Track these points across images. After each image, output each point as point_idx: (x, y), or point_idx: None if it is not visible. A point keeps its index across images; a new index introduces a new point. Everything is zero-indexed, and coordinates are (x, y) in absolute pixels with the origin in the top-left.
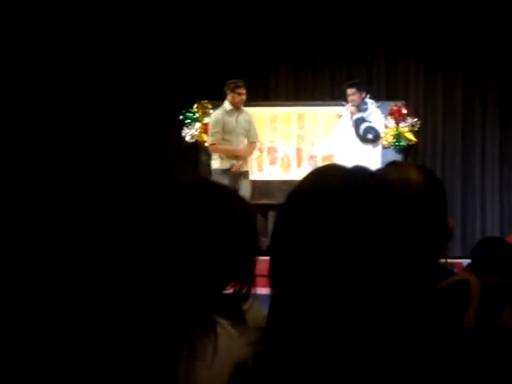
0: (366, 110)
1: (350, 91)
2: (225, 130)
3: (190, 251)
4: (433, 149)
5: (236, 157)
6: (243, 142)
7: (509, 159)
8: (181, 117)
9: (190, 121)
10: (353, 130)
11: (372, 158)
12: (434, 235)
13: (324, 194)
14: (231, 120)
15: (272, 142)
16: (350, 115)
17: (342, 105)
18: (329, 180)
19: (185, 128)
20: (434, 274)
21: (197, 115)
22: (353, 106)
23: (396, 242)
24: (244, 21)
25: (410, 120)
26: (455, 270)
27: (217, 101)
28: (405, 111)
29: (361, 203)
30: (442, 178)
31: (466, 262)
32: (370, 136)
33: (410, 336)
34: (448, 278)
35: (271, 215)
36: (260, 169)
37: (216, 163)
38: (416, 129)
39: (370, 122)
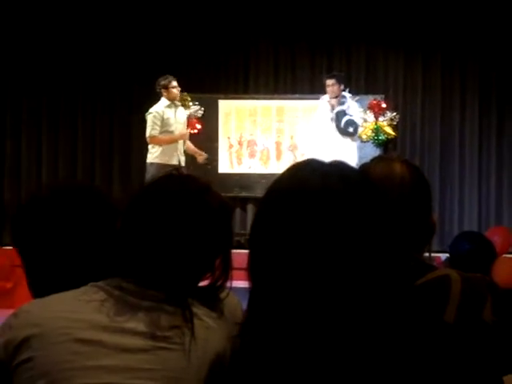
0: (344, 102)
1: (329, 82)
2: (165, 124)
3: (167, 242)
4: (412, 143)
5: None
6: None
7: (487, 154)
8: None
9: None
10: (332, 123)
11: (350, 152)
12: (418, 230)
13: (302, 190)
14: (171, 114)
15: (251, 135)
16: (329, 107)
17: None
18: (307, 175)
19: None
20: (416, 269)
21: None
22: (332, 97)
23: (379, 237)
24: (223, 14)
25: (389, 114)
26: (434, 264)
27: (196, 94)
28: (384, 105)
29: (339, 198)
30: None
31: (444, 256)
32: (350, 129)
33: (390, 330)
34: (429, 274)
35: (250, 208)
36: (239, 162)
37: (152, 157)
38: (395, 123)
39: (350, 115)
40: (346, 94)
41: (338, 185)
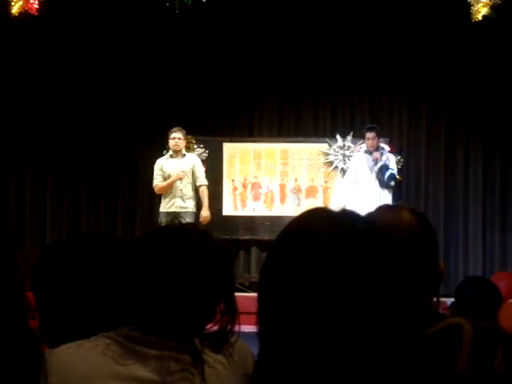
0: (382, 154)
1: (369, 135)
2: (165, 175)
3: (169, 290)
4: (416, 186)
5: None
6: (179, 185)
7: (491, 201)
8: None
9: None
10: (371, 174)
11: (386, 201)
12: (427, 277)
13: (313, 236)
14: (170, 165)
15: (256, 177)
16: (369, 157)
17: (326, 141)
18: (319, 222)
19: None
20: (426, 317)
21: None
22: (373, 150)
23: (389, 285)
24: (229, 60)
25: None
26: (441, 310)
27: (201, 136)
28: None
29: (348, 247)
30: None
31: (449, 300)
32: (392, 183)
33: (402, 380)
34: (439, 322)
35: (254, 251)
36: (243, 204)
37: (161, 207)
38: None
39: (392, 169)
40: (384, 145)
41: (349, 233)
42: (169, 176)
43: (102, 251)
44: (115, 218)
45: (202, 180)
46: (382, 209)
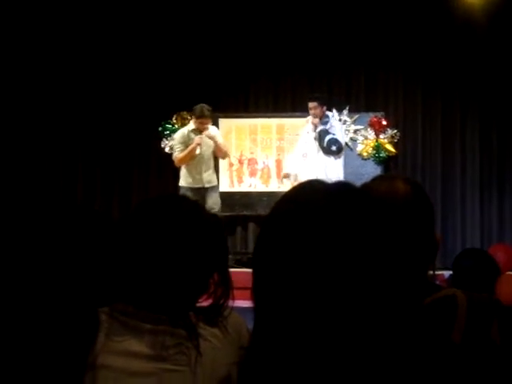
0: (327, 122)
1: (311, 105)
2: (189, 145)
3: (162, 261)
4: (413, 160)
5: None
6: (206, 160)
7: (489, 172)
8: (160, 128)
9: (169, 132)
10: (315, 143)
11: (335, 170)
12: (422, 248)
13: (305, 209)
14: (195, 137)
15: (252, 153)
16: (312, 127)
17: None
18: (311, 194)
19: (164, 139)
20: (422, 288)
21: (176, 126)
22: (315, 118)
23: (385, 256)
24: (224, 33)
25: (389, 131)
26: (437, 282)
27: None
28: (384, 122)
29: (343, 218)
30: None
31: (447, 273)
32: (333, 148)
33: (398, 351)
34: (435, 293)
35: (251, 227)
36: (240, 180)
37: (182, 180)
38: (396, 140)
39: (333, 134)
40: (329, 113)
41: (342, 203)
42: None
43: (90, 226)
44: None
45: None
46: (377, 179)
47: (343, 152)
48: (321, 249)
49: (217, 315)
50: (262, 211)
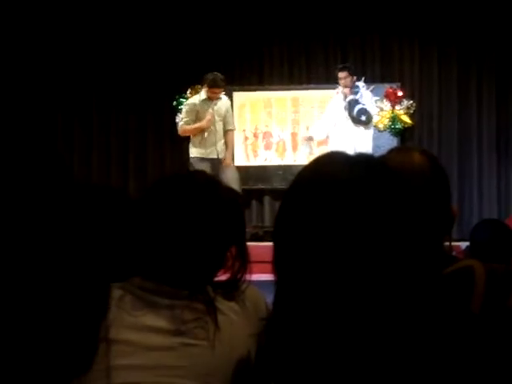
0: (357, 92)
1: (341, 74)
2: (198, 118)
3: (179, 236)
4: (429, 131)
5: (212, 144)
6: (219, 130)
7: (506, 141)
8: (174, 102)
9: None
10: (345, 112)
11: (364, 140)
12: (438, 220)
13: (328, 180)
14: (206, 108)
15: (267, 126)
16: (342, 97)
17: (337, 87)
18: (332, 167)
19: (178, 113)
20: (439, 259)
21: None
22: (345, 87)
23: (406, 227)
24: (237, 5)
25: (405, 102)
26: (454, 253)
27: None
28: (400, 93)
29: (366, 188)
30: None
31: (463, 244)
32: (363, 118)
33: (417, 322)
34: (452, 264)
35: (267, 200)
36: (255, 154)
37: (193, 151)
38: (412, 111)
39: (363, 104)
40: (360, 83)
41: (364, 175)
42: (201, 119)
43: (108, 203)
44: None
45: (232, 125)
46: (393, 151)
47: (372, 123)
48: (342, 220)
49: (234, 289)
50: (278, 185)
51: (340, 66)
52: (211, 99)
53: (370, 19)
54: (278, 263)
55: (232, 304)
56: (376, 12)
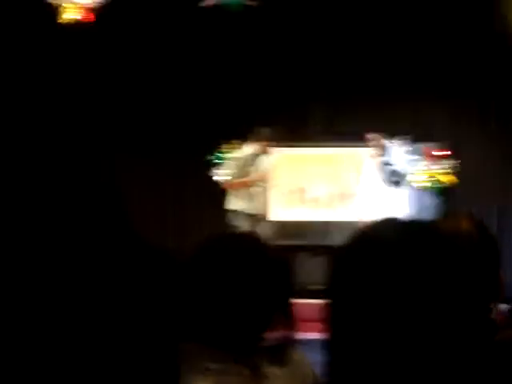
0: (387, 153)
1: (371, 136)
2: (242, 174)
3: (228, 300)
4: (469, 191)
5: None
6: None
7: None
8: (210, 157)
9: (219, 161)
10: (377, 173)
11: (398, 200)
12: (488, 286)
13: (381, 246)
14: (251, 163)
15: (303, 182)
16: (373, 159)
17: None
18: (387, 232)
19: (214, 168)
20: (488, 327)
21: (226, 155)
22: (375, 149)
23: (453, 295)
24: (280, 60)
25: (445, 161)
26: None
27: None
28: (439, 153)
29: (417, 256)
30: None
31: (504, 306)
32: (394, 179)
33: None
34: (503, 331)
35: (301, 256)
36: (291, 209)
37: (233, 204)
38: (451, 171)
39: (394, 165)
40: (391, 144)
41: (417, 241)
42: (245, 174)
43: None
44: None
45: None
46: (441, 218)
47: (406, 182)
48: (396, 285)
49: (281, 354)
50: (312, 241)
51: (369, 128)
52: (259, 154)
53: (405, 77)
54: (332, 322)
55: (278, 370)
56: (409, 73)
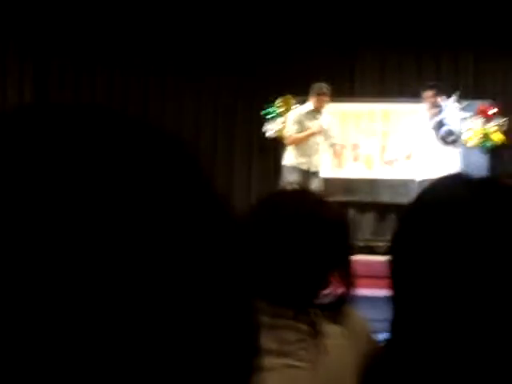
0: (441, 112)
1: (426, 94)
2: (302, 131)
3: (288, 256)
4: None
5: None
6: (317, 143)
7: None
8: (263, 111)
9: (272, 116)
10: (432, 132)
11: (452, 160)
12: None
13: (450, 203)
14: (309, 121)
15: (355, 138)
16: (428, 117)
17: None
18: (456, 189)
19: (266, 123)
20: None
21: (279, 110)
22: (432, 108)
23: None
24: (329, 16)
25: (497, 119)
26: None
27: (300, 96)
28: (493, 110)
29: (488, 212)
30: None
31: None
32: (450, 139)
33: None
34: None
35: (352, 213)
36: (343, 166)
37: (288, 159)
38: (504, 128)
39: (449, 124)
40: (446, 102)
41: (488, 200)
42: (307, 129)
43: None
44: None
45: (333, 140)
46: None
47: (460, 141)
48: (465, 243)
49: (338, 312)
50: (364, 198)
51: (428, 84)
52: (318, 109)
53: (464, 33)
54: (397, 279)
55: (336, 327)
56: (470, 26)
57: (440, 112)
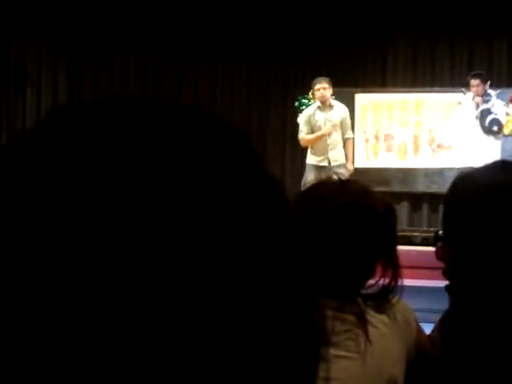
0: (489, 100)
1: (473, 82)
2: (314, 129)
3: (333, 247)
4: None
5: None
6: (332, 138)
7: None
8: (296, 103)
9: (305, 107)
10: (476, 121)
11: (493, 149)
12: None
13: (505, 188)
14: (320, 117)
15: (388, 128)
16: (474, 105)
17: (462, 91)
18: (503, 176)
19: (299, 114)
20: None
21: (312, 101)
22: (477, 96)
23: None
24: (361, 6)
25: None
26: None
27: (333, 87)
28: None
29: None
30: None
31: None
32: (495, 128)
33: None
34: None
35: None
36: (376, 156)
37: (308, 158)
38: None
39: (495, 114)
40: (492, 91)
41: None
42: (319, 128)
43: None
44: None
45: (350, 133)
46: None
47: (502, 131)
48: None
49: (385, 302)
50: (397, 188)
51: (473, 72)
52: (323, 104)
53: (498, 22)
54: (458, 270)
55: (382, 317)
56: (503, 14)
57: (486, 101)
